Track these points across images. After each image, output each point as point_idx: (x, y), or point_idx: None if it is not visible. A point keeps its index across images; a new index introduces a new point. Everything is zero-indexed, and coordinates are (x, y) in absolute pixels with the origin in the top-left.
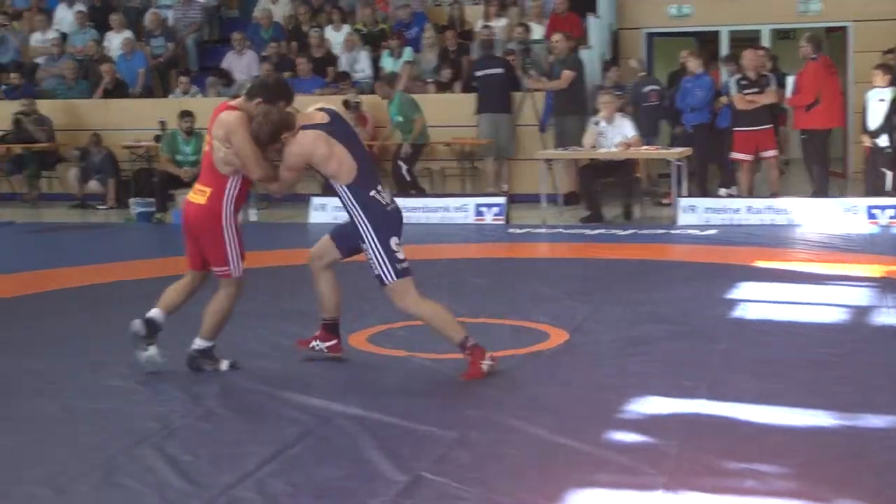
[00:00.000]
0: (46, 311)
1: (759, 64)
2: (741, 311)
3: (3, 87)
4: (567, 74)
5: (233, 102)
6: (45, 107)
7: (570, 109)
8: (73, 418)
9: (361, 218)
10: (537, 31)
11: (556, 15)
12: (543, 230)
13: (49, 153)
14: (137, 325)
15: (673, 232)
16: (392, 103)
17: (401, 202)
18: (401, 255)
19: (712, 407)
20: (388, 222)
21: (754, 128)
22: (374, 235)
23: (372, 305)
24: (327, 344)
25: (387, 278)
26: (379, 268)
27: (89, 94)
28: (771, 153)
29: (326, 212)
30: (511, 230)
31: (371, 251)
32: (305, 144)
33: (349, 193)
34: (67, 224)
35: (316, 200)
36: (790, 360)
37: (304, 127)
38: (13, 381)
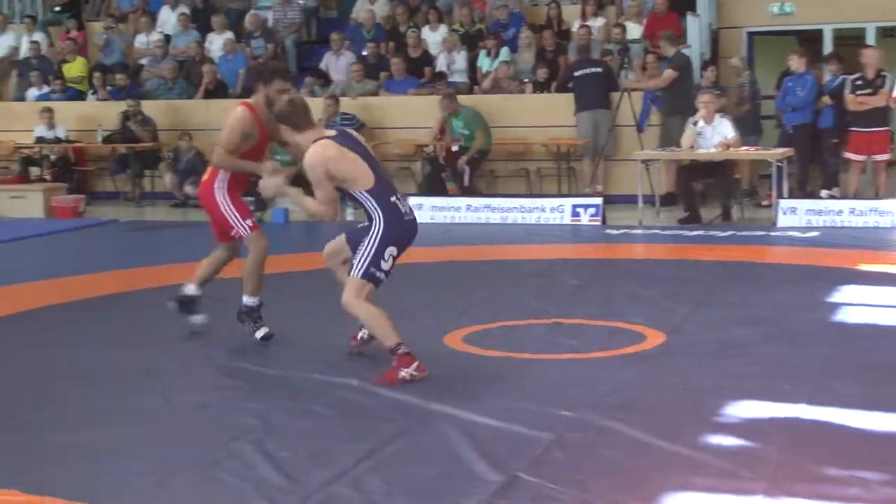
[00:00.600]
0: (148, 308)
1: (878, 63)
2: (843, 315)
3: (109, 88)
4: (668, 73)
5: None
6: (148, 107)
7: (676, 109)
8: (173, 413)
9: (380, 218)
10: (635, 31)
11: (655, 14)
12: (640, 231)
13: (152, 153)
14: (171, 305)
15: (773, 234)
16: (458, 117)
17: (496, 202)
18: (384, 266)
19: (813, 412)
20: (399, 232)
21: (870, 129)
22: (378, 236)
23: (468, 306)
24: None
25: (355, 270)
26: (358, 260)
27: (189, 94)
28: (884, 157)
29: (422, 211)
30: (607, 231)
31: (365, 245)
32: (317, 153)
33: (370, 197)
34: (168, 223)
35: (412, 200)
36: (894, 365)
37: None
38: (116, 375)
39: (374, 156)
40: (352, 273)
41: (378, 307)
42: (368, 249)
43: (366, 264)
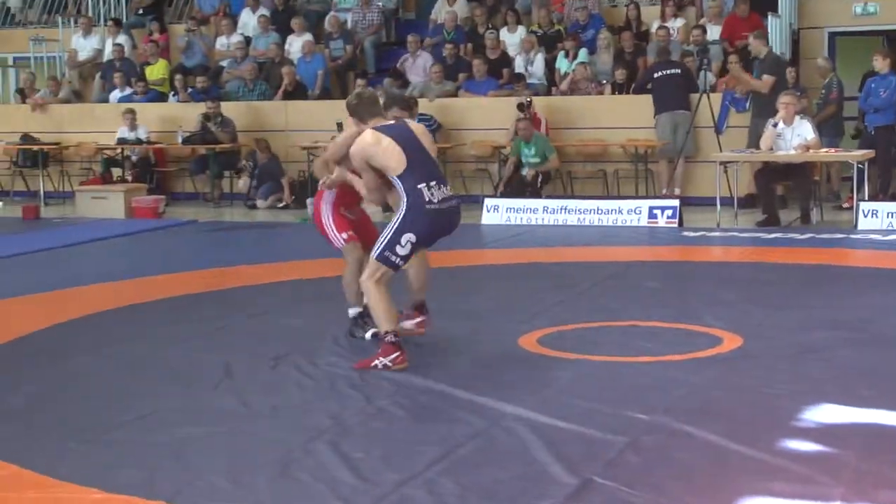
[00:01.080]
0: (225, 308)
1: None
2: None
3: (190, 90)
4: (767, 79)
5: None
6: (227, 108)
7: (767, 111)
8: (251, 413)
9: (404, 203)
10: (714, 32)
11: (736, 15)
12: (717, 233)
13: (231, 154)
14: (365, 335)
15: (853, 237)
16: (529, 144)
17: (573, 204)
18: (400, 251)
19: (894, 418)
20: (420, 219)
21: None
22: (398, 221)
23: (543, 307)
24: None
25: (374, 252)
26: (378, 242)
27: (268, 96)
28: None
29: (498, 213)
30: (684, 233)
31: (387, 228)
32: (357, 142)
33: (399, 182)
34: (245, 223)
35: (489, 202)
36: None
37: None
38: (195, 374)
39: (421, 144)
40: (371, 254)
41: (385, 292)
42: (387, 233)
43: (382, 247)
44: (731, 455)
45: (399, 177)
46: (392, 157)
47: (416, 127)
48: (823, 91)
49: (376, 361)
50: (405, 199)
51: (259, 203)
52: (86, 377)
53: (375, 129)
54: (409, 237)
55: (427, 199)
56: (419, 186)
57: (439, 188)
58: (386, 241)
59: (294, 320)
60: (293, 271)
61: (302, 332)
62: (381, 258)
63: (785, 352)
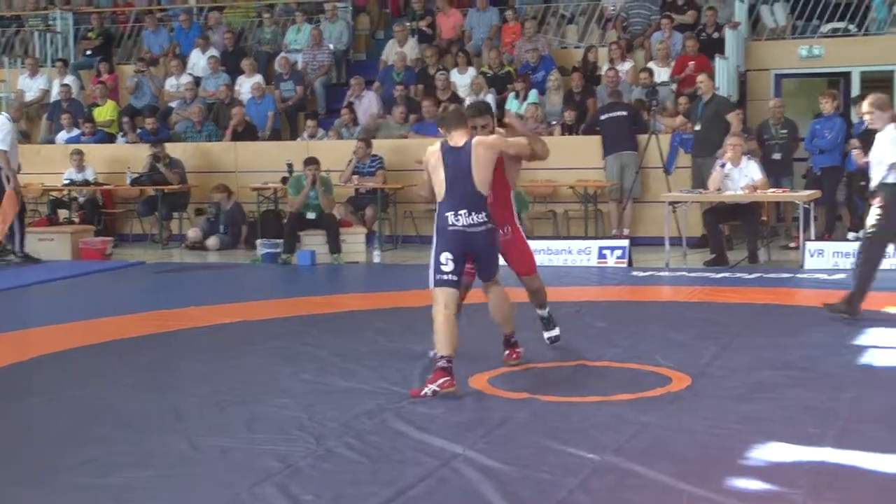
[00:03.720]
0: (174, 350)
1: None
2: (870, 358)
3: (139, 130)
4: (739, 114)
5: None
6: (177, 149)
7: (709, 151)
8: (199, 455)
9: (435, 230)
10: (663, 74)
11: (686, 56)
12: (666, 273)
13: (180, 195)
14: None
15: (800, 276)
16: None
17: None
18: (446, 268)
19: (840, 456)
20: (446, 238)
21: None
22: (434, 245)
23: (493, 346)
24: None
25: (428, 281)
26: (429, 272)
27: (218, 137)
28: None
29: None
30: (634, 273)
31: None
32: (427, 153)
33: (437, 209)
34: (195, 265)
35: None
36: None
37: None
38: (143, 417)
39: (470, 172)
40: (428, 285)
41: (450, 321)
42: (431, 262)
43: (431, 274)
44: (681, 495)
45: (439, 203)
46: (438, 185)
47: (481, 146)
48: (784, 131)
49: (426, 389)
50: (436, 226)
51: (211, 241)
52: (32, 421)
53: (440, 150)
54: (446, 255)
55: (451, 223)
56: (446, 214)
57: (464, 214)
58: (432, 267)
59: (243, 362)
60: (242, 312)
61: (251, 373)
62: (436, 282)
63: (733, 391)
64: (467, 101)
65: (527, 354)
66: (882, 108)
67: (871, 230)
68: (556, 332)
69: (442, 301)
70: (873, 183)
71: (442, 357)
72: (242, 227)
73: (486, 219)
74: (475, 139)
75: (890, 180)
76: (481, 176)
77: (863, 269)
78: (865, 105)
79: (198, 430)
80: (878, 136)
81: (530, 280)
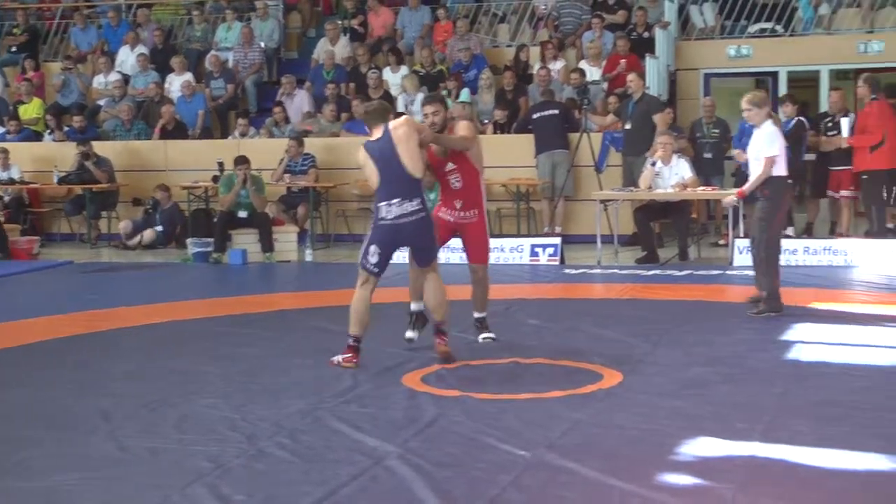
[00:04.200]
0: (102, 351)
1: (842, 105)
2: (797, 353)
3: (67, 128)
4: (668, 114)
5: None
6: (105, 148)
7: (640, 150)
8: (127, 457)
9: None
10: (594, 73)
11: (617, 55)
12: (598, 271)
13: (109, 194)
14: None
15: (729, 273)
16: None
17: (455, 242)
18: (371, 259)
19: (769, 450)
20: (378, 233)
21: (842, 167)
22: (367, 236)
23: (426, 344)
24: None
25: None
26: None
27: (147, 135)
28: (848, 193)
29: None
30: (566, 271)
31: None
32: (360, 154)
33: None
34: (125, 264)
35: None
36: (849, 403)
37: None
38: (71, 419)
39: (397, 157)
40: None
41: (366, 303)
42: (362, 245)
43: (360, 257)
44: (613, 491)
45: (375, 193)
46: (372, 177)
47: (399, 133)
48: (716, 131)
49: (335, 358)
50: (372, 217)
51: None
52: None
53: (365, 148)
54: (374, 248)
55: (382, 216)
56: (380, 204)
57: (398, 204)
58: (361, 251)
59: (173, 362)
60: (172, 312)
61: (181, 373)
62: (361, 265)
63: (664, 387)
64: (399, 100)
65: (458, 353)
66: (759, 104)
67: (761, 224)
68: (490, 335)
69: (360, 281)
70: (751, 178)
71: (354, 337)
72: (178, 227)
73: (418, 206)
74: (390, 123)
75: (776, 173)
76: (409, 156)
77: (767, 267)
78: (744, 102)
79: (127, 431)
80: (755, 132)
81: (478, 269)
